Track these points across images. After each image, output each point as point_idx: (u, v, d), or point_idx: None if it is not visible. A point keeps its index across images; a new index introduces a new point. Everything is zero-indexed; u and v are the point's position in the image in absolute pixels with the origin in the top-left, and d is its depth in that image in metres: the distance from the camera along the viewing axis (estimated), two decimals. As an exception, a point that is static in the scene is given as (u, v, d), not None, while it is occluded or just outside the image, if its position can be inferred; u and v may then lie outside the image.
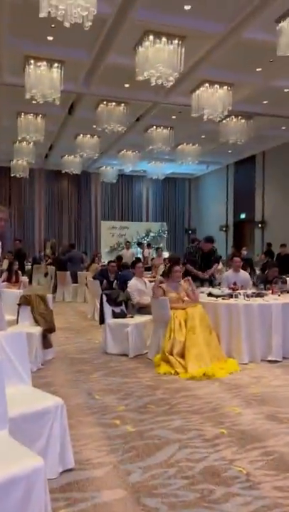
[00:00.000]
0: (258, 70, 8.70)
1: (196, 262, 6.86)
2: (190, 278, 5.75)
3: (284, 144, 14.39)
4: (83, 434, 3.25)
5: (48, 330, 5.29)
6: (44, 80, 7.66)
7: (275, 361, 5.25)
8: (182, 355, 4.89)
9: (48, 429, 2.60)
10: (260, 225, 16.13)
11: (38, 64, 7.68)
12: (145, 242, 17.92)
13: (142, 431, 3.30)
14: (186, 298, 5.51)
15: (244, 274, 6.93)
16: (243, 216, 17.37)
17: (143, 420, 3.51)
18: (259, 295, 5.82)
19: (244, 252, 13.02)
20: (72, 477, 2.63)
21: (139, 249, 16.32)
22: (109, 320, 5.82)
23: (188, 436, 3.21)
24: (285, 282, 6.49)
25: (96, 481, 2.60)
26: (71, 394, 4.13)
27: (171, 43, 6.78)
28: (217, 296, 5.76)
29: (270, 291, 6.11)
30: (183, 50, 6.88)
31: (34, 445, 2.50)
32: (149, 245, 16.81)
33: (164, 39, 6.76)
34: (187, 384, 4.45)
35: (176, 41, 6.80)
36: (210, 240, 7.04)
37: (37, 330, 5.11)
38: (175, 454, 2.93)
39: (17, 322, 5.39)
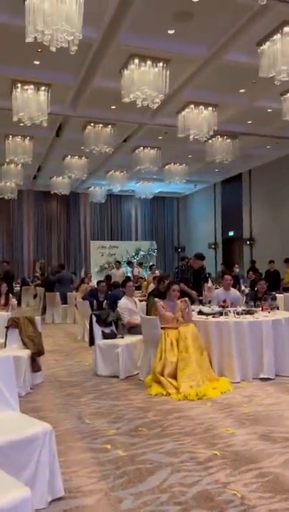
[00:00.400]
0: (241, 91, 8.90)
1: (189, 280, 6.85)
2: (187, 299, 5.70)
3: (269, 163, 14.65)
4: (73, 460, 3.16)
5: (37, 353, 5.20)
6: (31, 103, 7.73)
7: (267, 379, 5.21)
8: (174, 376, 4.83)
9: (36, 457, 2.52)
10: (248, 242, 16.26)
11: (25, 87, 7.76)
12: (135, 261, 17.91)
13: (134, 455, 3.23)
14: (180, 318, 5.45)
15: (235, 292, 6.94)
16: (231, 234, 17.51)
17: (134, 444, 3.43)
18: (249, 312, 5.81)
19: (236, 270, 13.06)
20: (61, 506, 2.54)
21: (128, 268, 16.29)
22: (99, 341, 5.75)
23: (180, 460, 3.14)
24: (274, 299, 6.50)
25: (86, 510, 2.52)
26: (61, 418, 4.04)
27: (156, 65, 6.92)
28: (207, 314, 5.73)
29: (260, 308, 6.11)
30: (168, 72, 7.02)
31: (22, 474, 2.42)
32: (140, 264, 16.78)
33: (148, 62, 6.90)
34: (179, 405, 4.38)
35: (160, 64, 6.95)
36: (200, 257, 7.04)
37: (25, 353, 5.01)
38: (167, 479, 2.86)
39: (5, 345, 5.29)
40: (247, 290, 9.49)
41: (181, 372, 4.81)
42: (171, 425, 3.82)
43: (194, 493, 2.68)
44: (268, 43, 6.22)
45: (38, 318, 5.62)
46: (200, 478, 2.86)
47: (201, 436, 3.57)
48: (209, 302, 6.50)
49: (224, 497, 2.63)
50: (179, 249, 20.64)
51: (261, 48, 6.34)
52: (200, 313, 5.85)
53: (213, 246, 18.32)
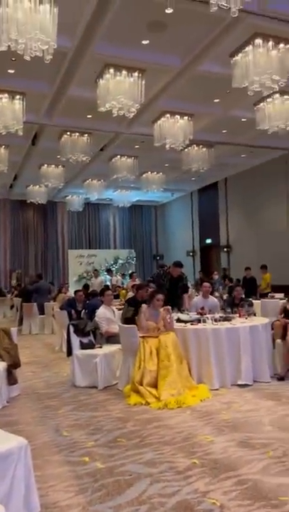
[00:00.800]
0: (215, 100, 9.05)
1: (164, 285, 6.85)
2: (170, 308, 5.68)
3: (244, 171, 14.89)
4: (50, 474, 3.09)
5: (13, 365, 5.09)
6: (6, 111, 7.65)
7: (246, 385, 5.24)
8: (153, 385, 4.81)
9: (12, 473, 2.44)
10: (225, 250, 16.43)
11: (0, 96, 7.69)
12: (114, 269, 17.85)
13: (112, 467, 3.18)
14: (162, 327, 5.42)
15: (213, 299, 6.98)
16: (208, 241, 17.68)
17: (113, 455, 3.38)
18: (226, 319, 5.85)
19: (215, 277, 13.17)
20: (38, 523, 2.48)
21: (108, 276, 16.23)
22: (77, 351, 5.67)
23: (159, 470, 3.11)
24: (251, 305, 6.56)
25: (64, 526, 2.46)
26: (38, 432, 3.95)
27: (131, 75, 6.97)
28: (186, 322, 5.75)
29: (238, 315, 6.16)
30: (143, 82, 7.08)
31: (-4, 491, 2.35)
32: (123, 275, 16.72)
33: (124, 72, 6.94)
34: (158, 414, 4.35)
35: (136, 74, 7.00)
36: (179, 264, 7.06)
37: (1, 366, 4.90)
38: (147, 490, 2.82)
39: (-20, 358, 5.16)
40: (225, 296, 9.60)
41: (163, 380, 4.79)
42: (150, 435, 3.79)
43: (174, 504, 2.65)
44: (240, 54, 6.34)
45: (13, 330, 5.51)
46: (179, 488, 2.83)
47: (181, 445, 3.55)
48: (187, 310, 6.52)
49: (204, 506, 2.61)
50: (158, 257, 20.70)
51: (234, 59, 6.46)
52: (178, 320, 5.85)
53: (191, 253, 18.44)
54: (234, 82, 6.35)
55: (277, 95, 7.70)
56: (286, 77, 6.17)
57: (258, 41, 6.11)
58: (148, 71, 7.17)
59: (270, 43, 6.12)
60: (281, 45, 6.16)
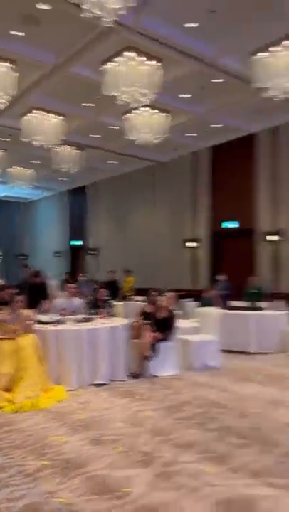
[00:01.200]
0: (87, 104, 9.15)
1: (26, 288, 6.72)
2: (31, 310, 5.51)
3: (114, 177, 15.31)
4: None
5: None
6: None
7: (103, 384, 5.39)
8: (6, 389, 4.63)
9: None
10: (93, 252, 16.66)
11: None
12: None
13: None
14: (20, 329, 5.21)
15: (77, 301, 7.01)
16: (77, 243, 17.71)
17: None
18: (88, 320, 5.95)
19: (81, 279, 13.20)
20: None
21: None
22: None
23: (8, 474, 3.02)
24: (112, 306, 6.79)
25: None
26: None
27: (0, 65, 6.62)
28: (46, 323, 5.67)
29: (100, 316, 6.30)
30: (15, 74, 6.78)
31: None
32: None
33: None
34: (10, 418, 4.21)
35: (6, 64, 6.66)
36: (37, 274, 7.16)
37: None
38: (-8, 497, 2.72)
39: None
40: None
41: (19, 382, 4.67)
42: (0, 440, 3.65)
43: (21, 507, 2.61)
44: (111, 64, 6.50)
45: None
46: (28, 491, 2.79)
47: (32, 447, 3.50)
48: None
49: (52, 506, 2.62)
50: (23, 257, 19.92)
51: (105, 66, 6.59)
52: (38, 322, 5.75)
53: (58, 254, 18.23)
54: (104, 89, 6.49)
55: (146, 108, 8.10)
56: (154, 92, 6.54)
57: (130, 54, 6.35)
58: (19, 62, 6.89)
59: (141, 58, 6.42)
60: (153, 62, 6.49)
